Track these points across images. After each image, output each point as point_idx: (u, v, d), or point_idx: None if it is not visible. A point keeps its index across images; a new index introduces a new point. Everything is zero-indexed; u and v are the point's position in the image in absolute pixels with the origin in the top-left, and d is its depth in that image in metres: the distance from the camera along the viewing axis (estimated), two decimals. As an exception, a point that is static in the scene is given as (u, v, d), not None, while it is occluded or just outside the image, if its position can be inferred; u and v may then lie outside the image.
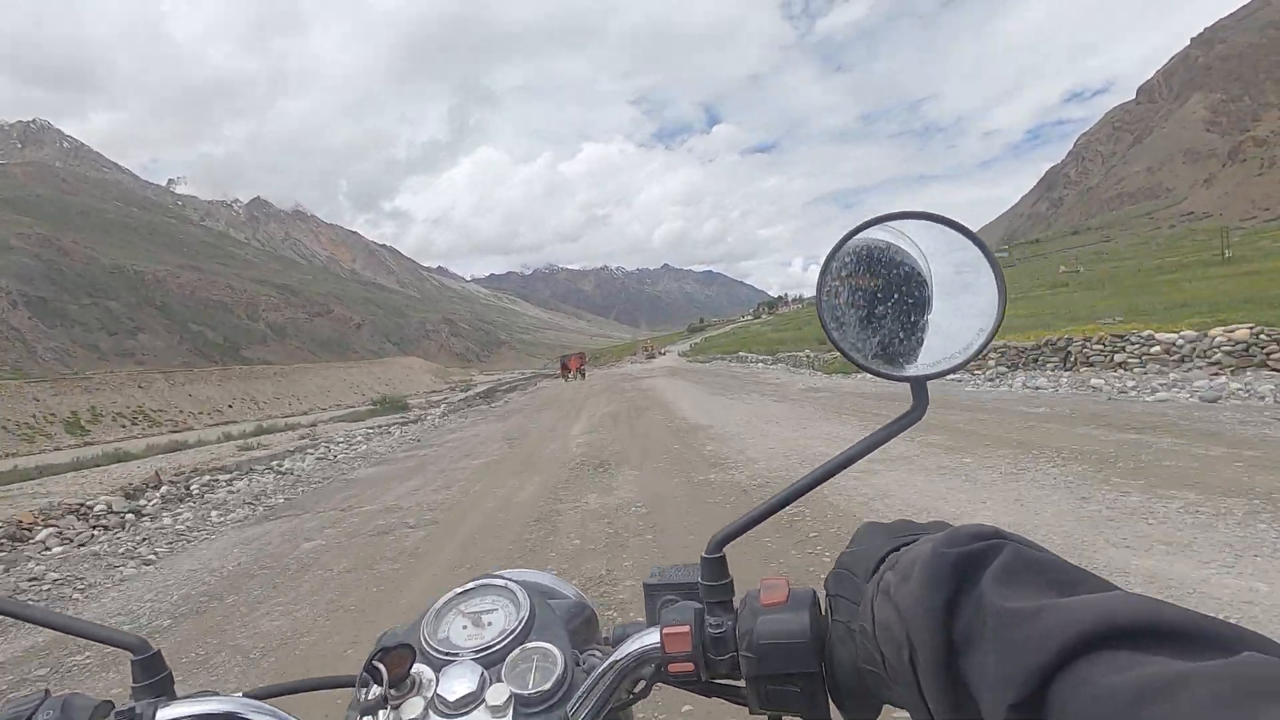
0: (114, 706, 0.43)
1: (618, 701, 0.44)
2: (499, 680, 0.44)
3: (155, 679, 0.44)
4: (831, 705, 0.39)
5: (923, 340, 0.39)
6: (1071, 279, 38.34)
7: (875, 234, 0.39)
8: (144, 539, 7.11)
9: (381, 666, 0.41)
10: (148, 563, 6.13)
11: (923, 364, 0.39)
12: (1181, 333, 9.99)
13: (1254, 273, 19.11)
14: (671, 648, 0.41)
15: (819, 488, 0.40)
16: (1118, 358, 10.58)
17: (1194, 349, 9.62)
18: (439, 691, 0.43)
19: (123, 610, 4.73)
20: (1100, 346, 11.01)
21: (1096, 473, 4.83)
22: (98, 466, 16.74)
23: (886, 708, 0.37)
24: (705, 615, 0.42)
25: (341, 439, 15.96)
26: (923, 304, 0.39)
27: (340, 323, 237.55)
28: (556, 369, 44.29)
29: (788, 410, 10.98)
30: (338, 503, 7.97)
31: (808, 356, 22.83)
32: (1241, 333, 9.11)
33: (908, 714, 0.33)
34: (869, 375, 0.40)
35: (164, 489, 9.82)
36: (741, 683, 0.41)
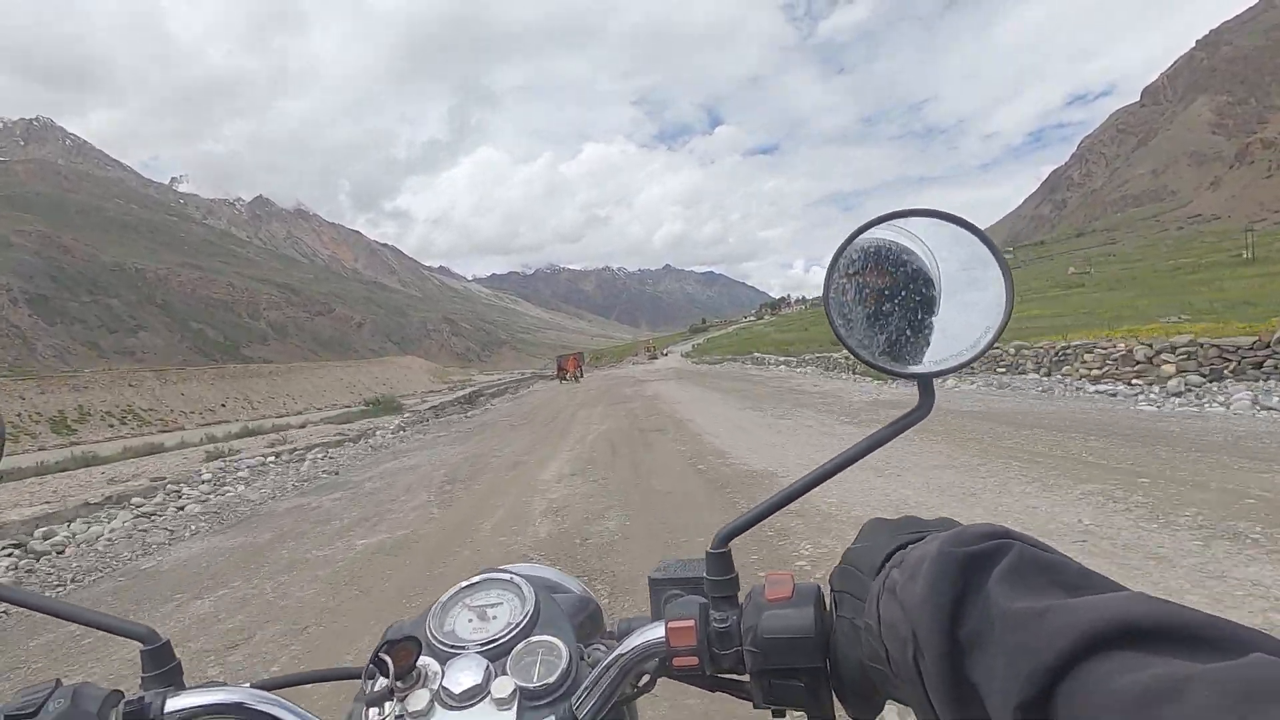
0: (123, 696, 0.43)
1: (622, 695, 0.44)
2: (504, 673, 0.44)
3: (164, 669, 0.45)
4: (835, 701, 0.39)
5: (929, 338, 0.39)
6: (1084, 279, 37.44)
7: (882, 232, 0.40)
8: None
9: (387, 658, 0.41)
10: None
11: (929, 361, 0.39)
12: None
13: (1285, 273, 18.11)
14: (676, 641, 0.41)
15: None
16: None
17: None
18: (444, 684, 0.43)
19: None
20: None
21: None
22: (64, 471, 15.82)
23: (889, 703, 0.38)
24: (710, 610, 0.42)
25: (205, 479, 10.26)
26: (930, 302, 0.39)
27: (341, 322, 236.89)
28: (554, 370, 42.66)
29: (890, 444, 5.92)
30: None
31: (847, 360, 19.06)
32: None
33: (912, 712, 0.32)
34: (879, 375, 0.41)
35: None
36: (746, 677, 0.41)
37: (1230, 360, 8.47)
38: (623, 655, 0.43)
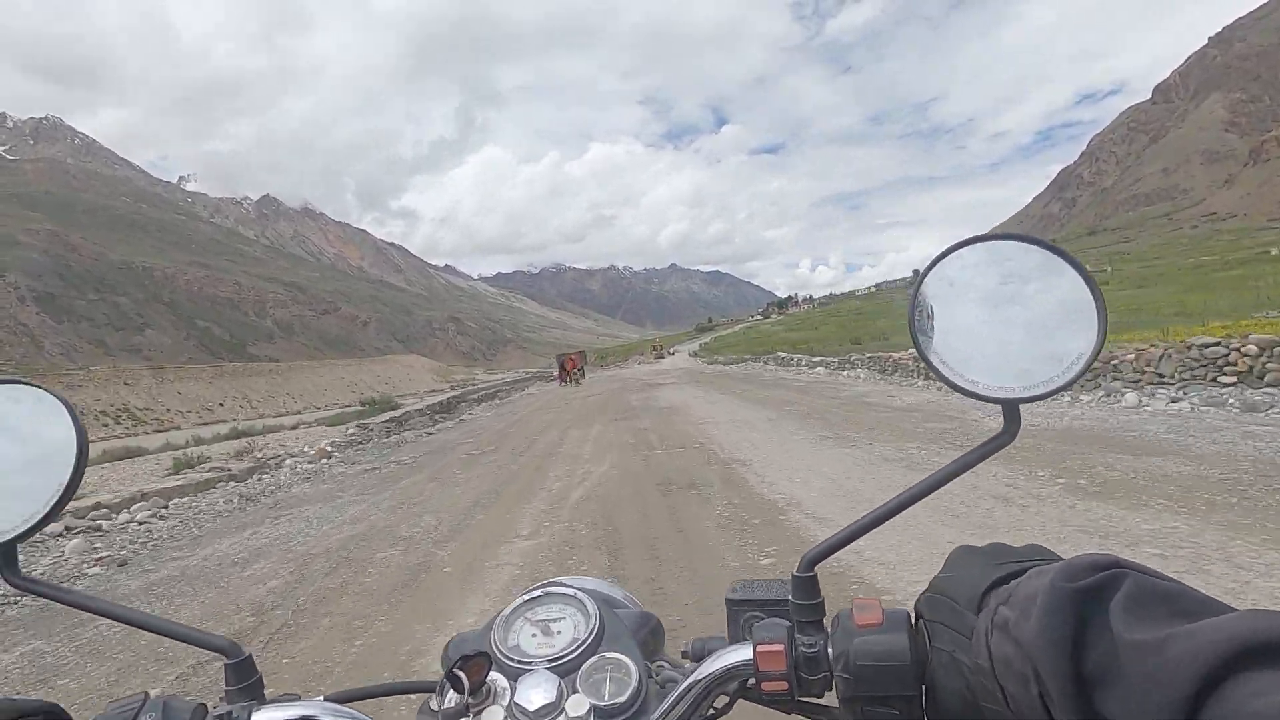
0: (208, 710, 0.44)
1: (700, 717, 0.44)
2: (575, 691, 0.44)
3: (247, 683, 0.45)
4: None
5: (1016, 362, 0.38)
6: (1107, 278, 36.38)
7: (971, 253, 0.40)
8: None
9: (462, 674, 0.41)
10: None
11: (1016, 386, 0.38)
12: None
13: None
14: (766, 665, 0.40)
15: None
16: None
17: None
18: (516, 700, 0.43)
19: None
20: None
21: None
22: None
23: None
24: (796, 633, 0.41)
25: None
26: (1018, 325, 0.39)
27: (347, 320, 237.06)
28: (555, 370, 38.13)
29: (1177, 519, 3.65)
30: None
31: (917, 363, 13.70)
32: None
33: None
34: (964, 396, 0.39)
35: None
36: (833, 704, 0.40)
37: None
38: (706, 676, 0.42)
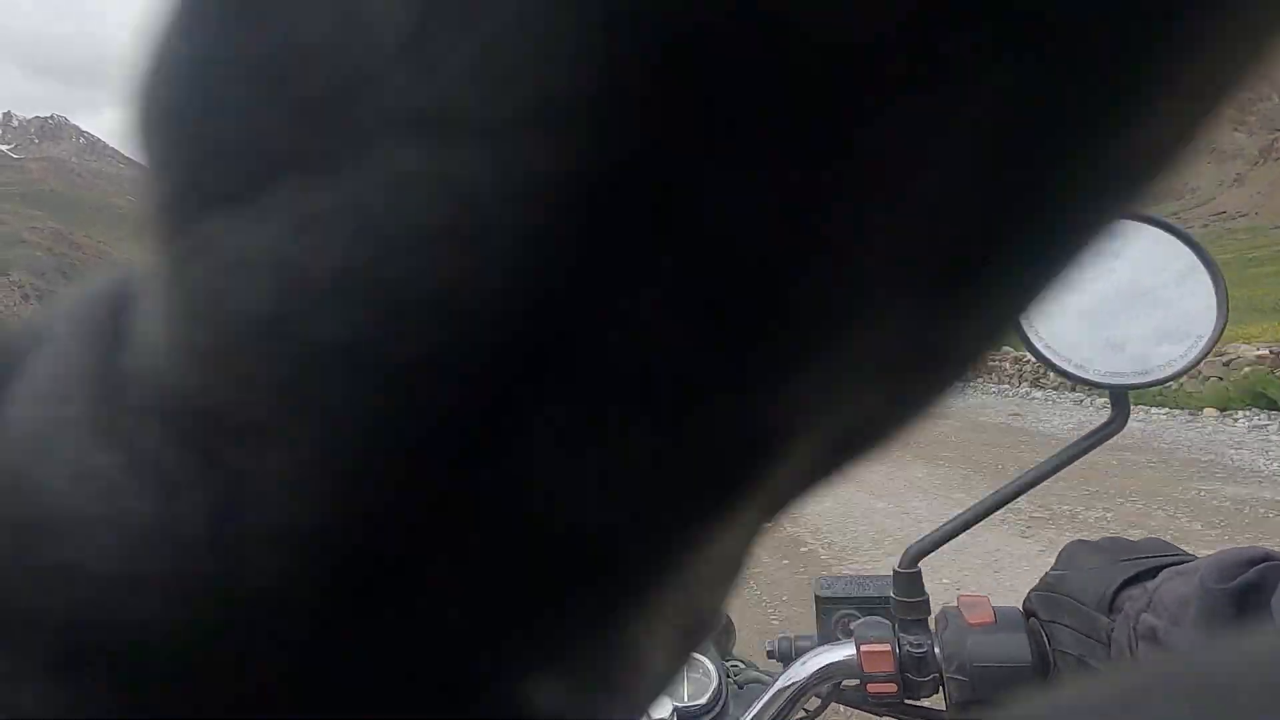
0: None
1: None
2: None
3: None
4: None
5: (1126, 347, 0.36)
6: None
7: None
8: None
9: None
10: None
11: (1129, 371, 0.36)
12: None
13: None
14: (871, 666, 0.38)
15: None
16: None
17: None
18: None
19: None
20: None
21: None
22: None
23: None
24: (899, 632, 0.39)
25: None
26: (1129, 309, 0.37)
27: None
28: None
29: None
30: None
31: (1035, 368, 9.15)
32: None
33: None
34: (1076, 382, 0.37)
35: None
36: (940, 707, 0.39)
37: None
38: (802, 677, 0.40)
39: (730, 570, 0.10)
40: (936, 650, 0.38)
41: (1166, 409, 6.76)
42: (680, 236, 0.06)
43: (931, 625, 0.40)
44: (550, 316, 0.07)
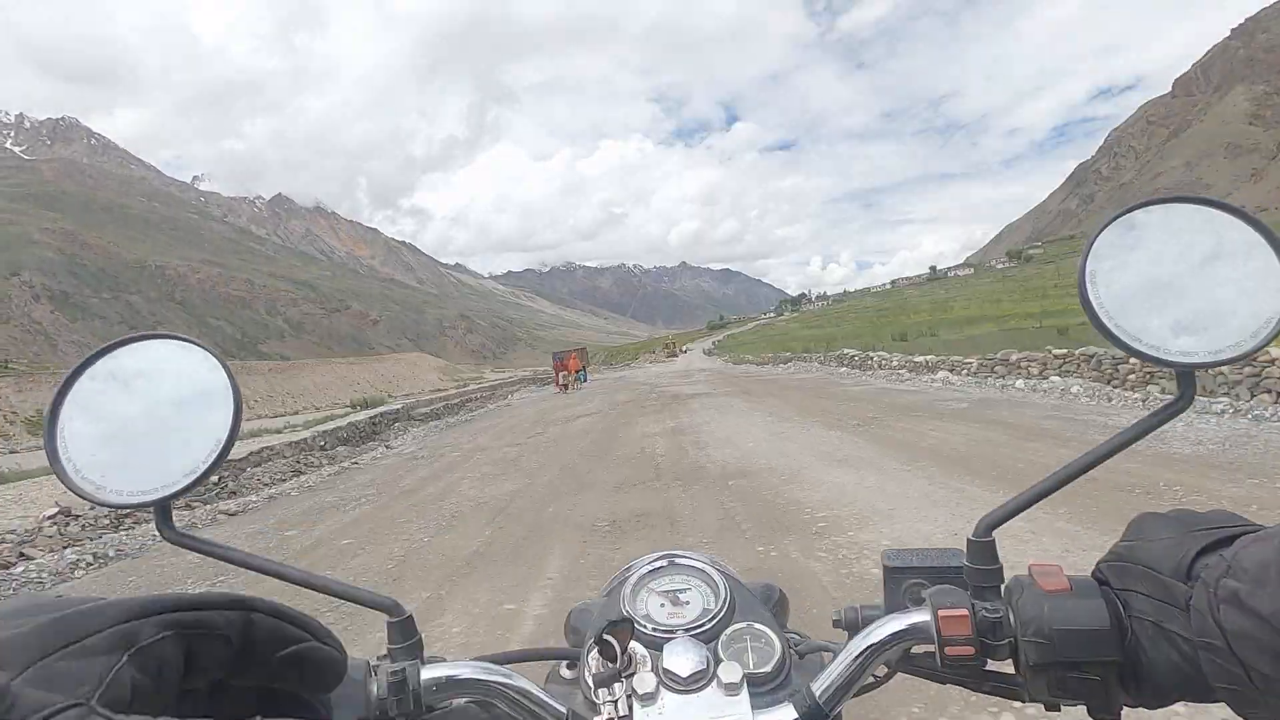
0: (376, 666, 0.45)
1: (862, 686, 0.43)
2: (719, 659, 0.43)
3: (409, 641, 0.46)
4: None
5: (1193, 324, 0.37)
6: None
7: (1146, 215, 0.38)
8: None
9: (613, 639, 0.41)
10: None
11: (1193, 350, 0.37)
12: None
13: None
14: (949, 630, 0.39)
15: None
16: None
17: None
18: (666, 666, 0.42)
19: None
20: None
21: None
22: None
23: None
24: (973, 599, 0.41)
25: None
26: (1195, 287, 0.37)
27: (358, 319, 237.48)
28: (552, 373, 29.25)
29: None
30: None
31: (1114, 364, 8.75)
32: None
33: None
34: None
35: None
36: (1011, 669, 0.40)
37: None
38: (876, 642, 0.41)
39: None
40: (1011, 616, 0.39)
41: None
42: None
43: (1002, 593, 0.41)
44: None
